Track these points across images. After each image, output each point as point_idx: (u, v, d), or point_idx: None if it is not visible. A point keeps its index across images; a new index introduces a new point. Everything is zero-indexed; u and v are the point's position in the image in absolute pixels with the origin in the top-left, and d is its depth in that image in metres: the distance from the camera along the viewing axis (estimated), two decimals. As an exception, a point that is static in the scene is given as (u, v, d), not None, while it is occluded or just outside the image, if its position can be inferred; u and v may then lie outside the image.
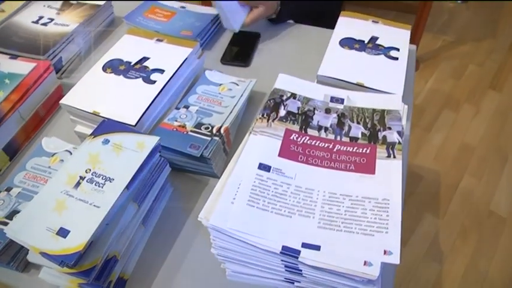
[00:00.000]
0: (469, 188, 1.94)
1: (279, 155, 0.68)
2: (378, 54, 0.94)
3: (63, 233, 0.60)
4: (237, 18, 1.06)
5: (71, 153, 0.83)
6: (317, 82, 0.89)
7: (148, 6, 1.19)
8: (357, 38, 0.98)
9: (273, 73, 0.99)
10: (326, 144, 0.70)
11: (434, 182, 1.97)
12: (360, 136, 0.72)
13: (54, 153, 0.83)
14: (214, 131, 0.79)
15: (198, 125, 0.80)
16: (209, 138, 0.77)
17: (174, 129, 0.80)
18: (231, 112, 0.83)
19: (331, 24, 1.18)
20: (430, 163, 2.05)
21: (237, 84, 0.90)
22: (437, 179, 1.98)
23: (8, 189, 0.77)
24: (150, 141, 0.70)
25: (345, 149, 0.70)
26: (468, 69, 2.51)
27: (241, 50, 1.09)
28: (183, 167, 0.80)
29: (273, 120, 0.73)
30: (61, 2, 1.23)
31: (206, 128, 0.79)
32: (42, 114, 0.98)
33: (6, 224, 0.71)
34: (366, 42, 0.97)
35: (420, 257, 1.72)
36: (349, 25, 1.03)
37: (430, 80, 2.45)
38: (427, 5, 2.22)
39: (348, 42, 0.97)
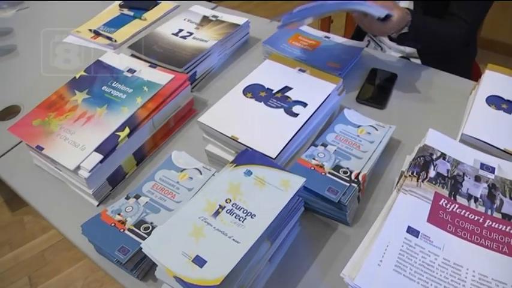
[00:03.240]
0: None
1: (428, 220, 0.65)
2: (528, 119, 0.88)
3: (199, 261, 0.59)
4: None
5: (200, 172, 0.84)
6: (460, 140, 0.85)
7: (292, 34, 1.18)
8: (505, 98, 0.93)
9: (408, 120, 0.97)
10: (476, 217, 0.67)
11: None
12: (513, 214, 0.67)
13: (184, 169, 0.85)
14: (352, 176, 0.76)
15: (336, 168, 0.78)
16: (347, 184, 0.75)
17: (312, 167, 0.78)
18: (369, 159, 0.80)
19: (456, 66, 1.13)
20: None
21: (376, 129, 0.87)
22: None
23: (137, 197, 0.79)
24: (296, 181, 0.68)
25: (497, 226, 0.65)
26: None
27: (377, 90, 1.05)
28: (312, 207, 0.79)
29: (422, 181, 0.70)
30: (201, 17, 1.27)
31: (345, 173, 0.77)
32: (171, 125, 1.00)
33: (134, 232, 0.73)
34: (515, 103, 0.92)
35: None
36: (495, 81, 0.98)
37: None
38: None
39: (495, 101, 0.92)
